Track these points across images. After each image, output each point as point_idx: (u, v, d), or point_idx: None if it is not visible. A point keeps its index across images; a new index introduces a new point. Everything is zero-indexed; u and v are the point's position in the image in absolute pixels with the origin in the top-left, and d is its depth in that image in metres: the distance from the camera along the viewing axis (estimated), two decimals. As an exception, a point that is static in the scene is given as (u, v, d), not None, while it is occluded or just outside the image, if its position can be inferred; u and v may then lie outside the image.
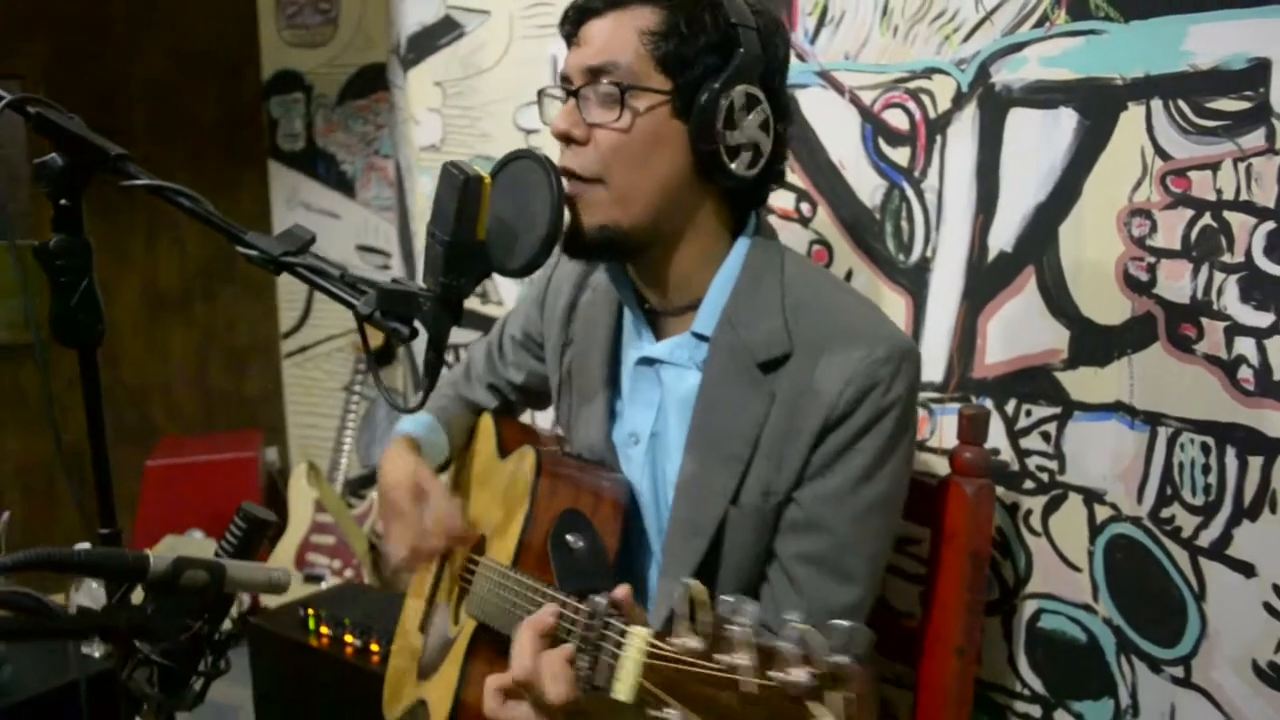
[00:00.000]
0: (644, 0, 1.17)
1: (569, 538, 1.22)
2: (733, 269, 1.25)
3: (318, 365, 3.48)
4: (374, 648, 2.03)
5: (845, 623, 0.70)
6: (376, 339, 3.55)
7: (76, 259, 1.10)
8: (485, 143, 2.43)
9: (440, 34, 2.51)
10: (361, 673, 2.00)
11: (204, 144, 3.22)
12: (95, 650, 1.94)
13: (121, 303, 3.22)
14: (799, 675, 0.69)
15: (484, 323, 2.44)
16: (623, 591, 0.93)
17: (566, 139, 1.20)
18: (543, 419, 1.75)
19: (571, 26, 1.22)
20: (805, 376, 1.18)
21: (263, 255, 1.15)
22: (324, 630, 2.10)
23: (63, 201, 1.09)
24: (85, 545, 1.00)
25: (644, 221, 1.20)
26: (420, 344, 1.07)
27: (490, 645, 1.25)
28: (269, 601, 2.89)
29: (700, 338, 1.25)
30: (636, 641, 0.82)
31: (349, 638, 2.07)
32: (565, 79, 1.22)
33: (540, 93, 1.27)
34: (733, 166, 1.17)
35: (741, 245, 1.25)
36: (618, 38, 1.17)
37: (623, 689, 0.81)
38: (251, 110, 3.40)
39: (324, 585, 2.98)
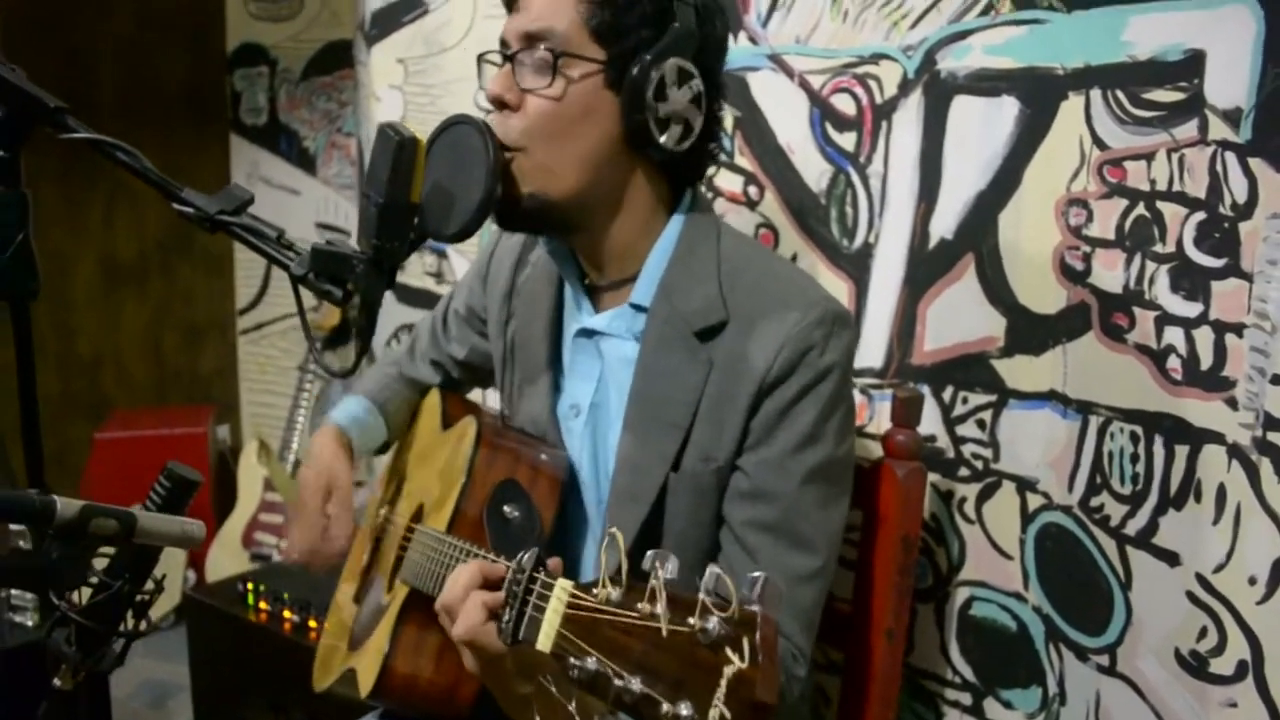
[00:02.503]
0: None
1: (505, 508, 1.22)
2: (669, 242, 1.25)
3: (273, 343, 3.45)
4: (312, 623, 2.02)
5: (757, 574, 0.70)
6: (333, 318, 3.49)
7: (13, 212, 1.08)
8: (445, 121, 2.42)
9: (404, 11, 2.49)
10: (299, 648, 1.98)
11: (166, 116, 3.18)
12: (29, 619, 1.91)
13: (78, 274, 3.18)
14: (710, 623, 0.69)
15: (437, 303, 2.43)
16: (554, 561, 0.93)
17: (500, 103, 1.19)
18: (490, 397, 1.75)
19: None
20: (741, 343, 1.19)
21: (198, 213, 1.14)
22: (263, 605, 2.09)
23: (1, 154, 1.07)
24: None
25: (572, 193, 1.19)
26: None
27: (422, 610, 1.25)
28: (211, 576, 2.87)
29: (638, 309, 1.25)
30: (559, 593, 0.82)
31: (287, 613, 2.05)
32: (503, 43, 1.21)
33: (480, 58, 1.26)
34: (662, 139, 1.17)
35: (677, 220, 1.25)
36: (555, 5, 1.16)
37: (544, 639, 0.81)
38: (215, 83, 3.36)
39: (279, 561, 2.96)
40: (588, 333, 1.30)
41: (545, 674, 0.83)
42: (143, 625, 1.03)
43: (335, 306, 1.15)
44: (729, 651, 0.69)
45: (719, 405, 1.20)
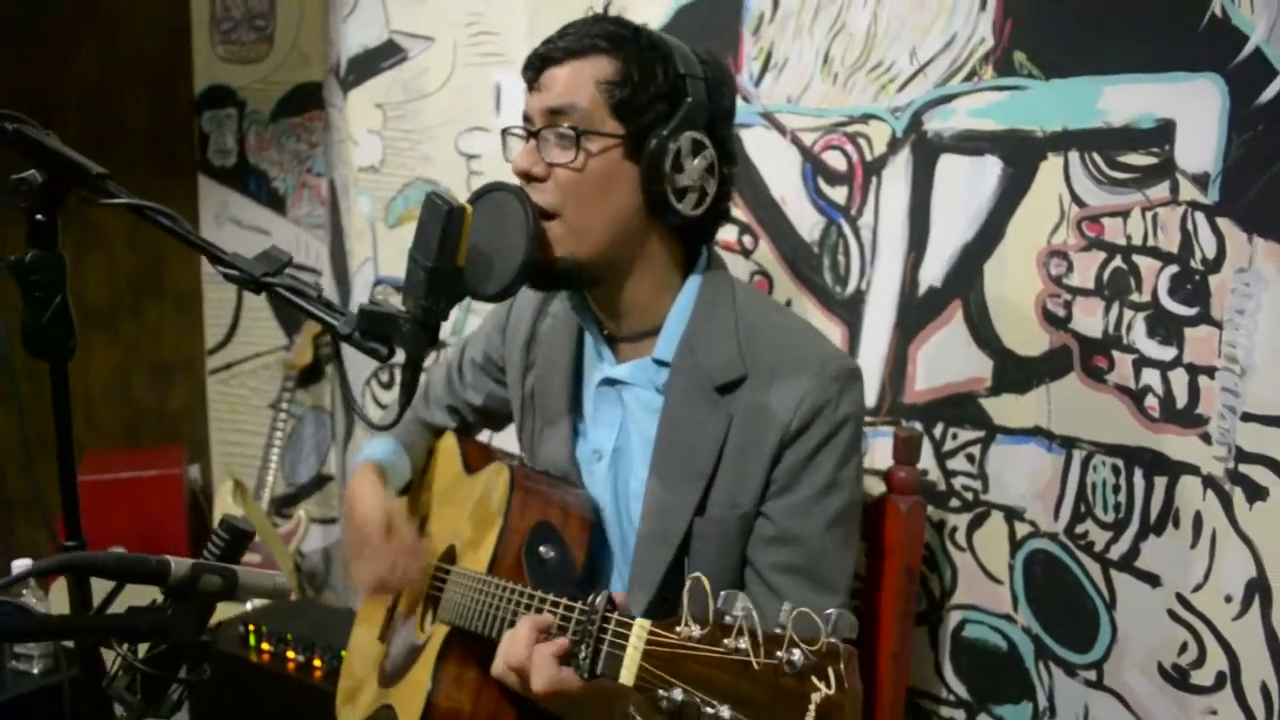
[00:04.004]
0: (601, 50, 1.26)
1: (541, 549, 1.29)
2: (688, 300, 1.34)
3: (243, 382, 3.46)
4: (317, 663, 2.05)
5: (833, 610, 0.79)
6: (305, 357, 3.50)
7: (51, 274, 1.12)
8: (426, 166, 2.48)
9: (383, 57, 2.55)
10: (305, 688, 2.01)
11: (134, 156, 3.19)
12: (35, 667, 1.92)
13: (42, 316, 3.15)
14: (796, 655, 0.78)
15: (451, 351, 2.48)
16: (619, 595, 1.01)
17: (527, 176, 1.28)
18: (499, 439, 1.81)
19: (534, 73, 1.30)
20: (760, 397, 1.28)
21: (243, 275, 1.18)
22: (265, 646, 2.11)
23: (39, 217, 1.11)
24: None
25: (598, 253, 1.28)
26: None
27: (461, 649, 1.32)
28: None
29: (660, 363, 1.33)
30: (638, 630, 0.91)
31: (291, 653, 2.08)
32: (527, 119, 1.30)
33: (504, 132, 1.34)
34: (679, 206, 1.26)
35: (695, 279, 1.34)
36: (576, 84, 1.26)
37: (627, 674, 0.89)
38: (182, 124, 3.38)
39: (249, 605, 2.96)
40: (610, 381, 1.38)
41: (629, 704, 0.91)
42: (203, 672, 1.09)
43: (381, 363, 1.22)
44: (815, 680, 0.78)
45: (741, 455, 1.28)
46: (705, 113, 1.28)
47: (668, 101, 1.25)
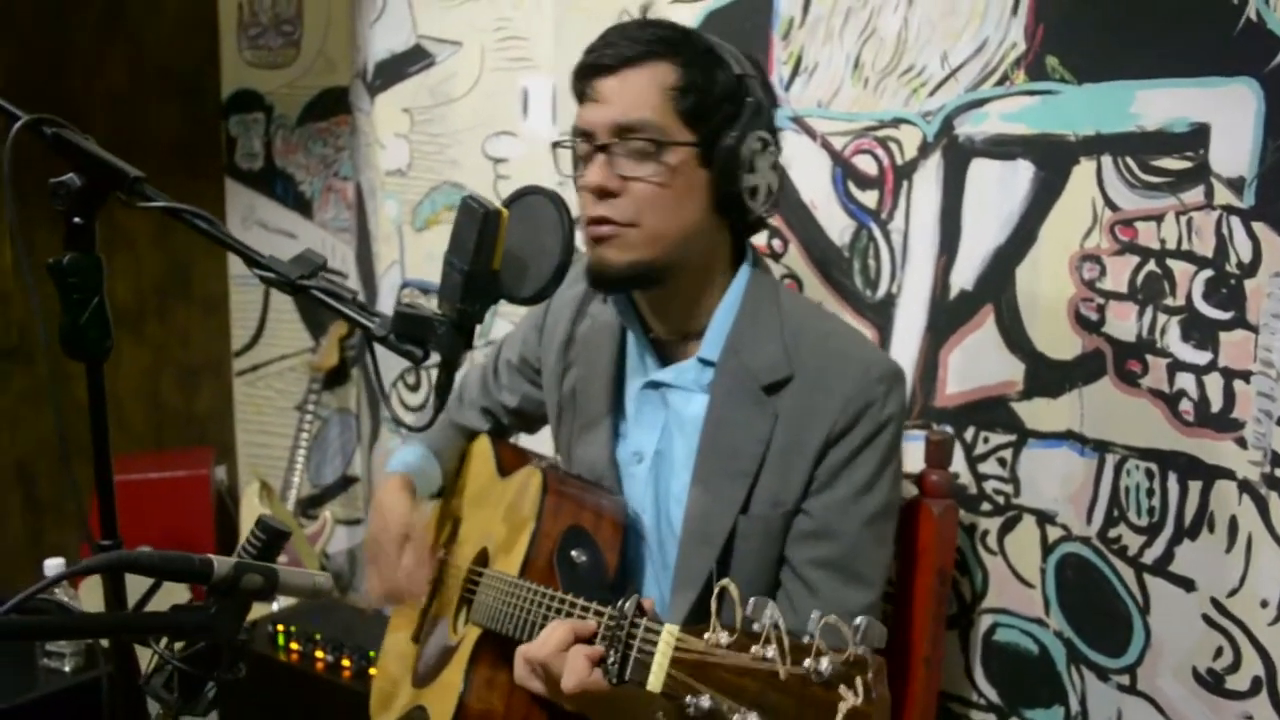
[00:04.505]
0: (659, 56, 1.25)
1: (573, 553, 1.30)
2: (734, 299, 1.34)
3: (269, 384, 3.48)
4: (345, 663, 2.06)
5: (861, 618, 0.79)
6: (331, 359, 3.50)
7: (89, 276, 1.13)
8: (453, 169, 2.50)
9: (410, 62, 2.57)
10: (334, 688, 2.03)
11: (162, 160, 3.21)
12: (66, 665, 1.94)
13: (71, 318, 3.17)
14: (824, 664, 0.78)
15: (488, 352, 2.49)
16: (647, 601, 1.02)
17: (603, 192, 1.27)
18: (530, 441, 1.82)
19: (585, 83, 1.28)
20: (805, 397, 1.28)
21: (280, 278, 1.19)
22: (294, 646, 2.13)
23: (76, 220, 1.12)
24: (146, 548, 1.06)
25: (670, 256, 1.28)
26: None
27: (494, 651, 1.33)
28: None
29: (706, 363, 1.33)
30: (666, 637, 0.91)
31: (320, 653, 2.09)
32: (587, 134, 1.28)
33: (554, 145, 1.33)
34: (751, 205, 1.27)
35: (742, 276, 1.35)
36: (642, 95, 1.24)
37: (654, 680, 0.90)
38: (210, 128, 3.40)
39: (276, 605, 2.98)
40: (654, 384, 1.39)
41: (656, 710, 0.91)
42: (239, 670, 1.10)
43: (415, 365, 1.23)
44: (843, 689, 0.78)
45: (786, 454, 1.29)
46: (765, 111, 1.28)
47: (731, 103, 1.26)
